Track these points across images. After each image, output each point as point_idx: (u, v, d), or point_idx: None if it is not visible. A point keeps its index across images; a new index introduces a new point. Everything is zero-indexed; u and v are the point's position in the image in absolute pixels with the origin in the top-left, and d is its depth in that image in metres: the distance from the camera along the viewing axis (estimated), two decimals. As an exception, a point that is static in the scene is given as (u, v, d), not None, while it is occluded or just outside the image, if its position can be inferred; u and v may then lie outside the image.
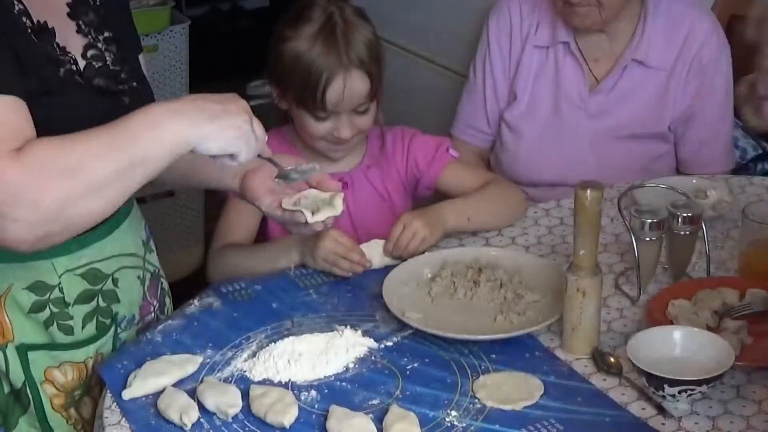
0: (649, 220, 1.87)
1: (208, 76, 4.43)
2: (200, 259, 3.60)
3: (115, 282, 1.82)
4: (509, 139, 2.59)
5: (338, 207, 1.80)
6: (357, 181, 2.22)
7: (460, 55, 3.02)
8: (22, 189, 1.45)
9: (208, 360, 1.77)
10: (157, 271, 1.95)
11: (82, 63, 1.70)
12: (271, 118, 2.24)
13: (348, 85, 2.05)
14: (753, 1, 2.72)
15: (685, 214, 1.89)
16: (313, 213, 1.78)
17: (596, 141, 2.52)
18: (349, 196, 2.21)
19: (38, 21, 1.64)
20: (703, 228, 1.90)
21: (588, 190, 1.66)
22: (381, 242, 2.04)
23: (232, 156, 1.61)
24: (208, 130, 1.56)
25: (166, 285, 1.99)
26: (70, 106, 1.64)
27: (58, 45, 1.66)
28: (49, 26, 1.65)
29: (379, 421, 1.59)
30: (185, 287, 2.13)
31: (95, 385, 1.81)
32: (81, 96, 1.68)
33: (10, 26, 1.59)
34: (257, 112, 2.19)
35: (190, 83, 3.81)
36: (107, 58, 1.74)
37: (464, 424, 1.60)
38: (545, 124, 2.55)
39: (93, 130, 1.52)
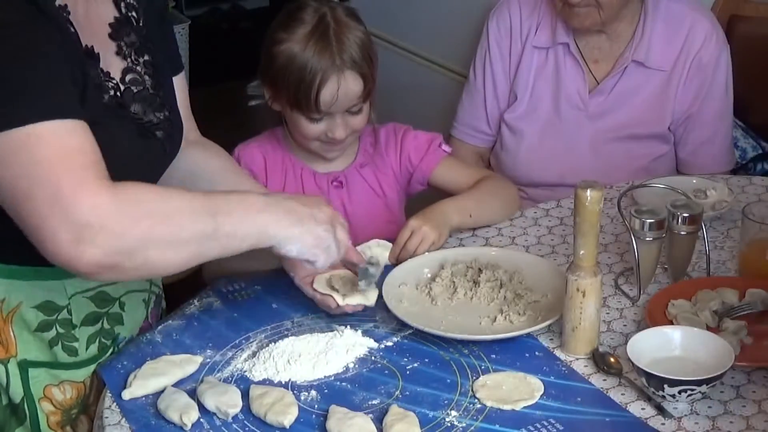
0: (649, 220, 1.87)
1: (208, 76, 4.45)
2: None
3: (121, 305, 1.83)
4: (509, 139, 2.59)
5: (371, 299, 1.84)
6: (351, 180, 2.22)
7: (460, 55, 3.02)
8: (111, 217, 1.45)
9: (208, 360, 1.77)
10: (160, 292, 1.96)
11: (121, 87, 1.68)
12: (269, 118, 2.25)
13: (341, 86, 2.05)
14: (753, 1, 2.73)
15: (685, 214, 1.89)
16: (344, 296, 1.82)
17: (596, 142, 2.52)
18: (344, 194, 2.21)
19: (86, 45, 1.62)
20: (703, 228, 1.90)
21: (588, 190, 1.66)
22: (381, 243, 2.04)
23: (309, 260, 1.66)
24: (291, 233, 1.61)
25: (164, 303, 2.00)
26: (111, 137, 1.62)
27: (102, 70, 1.64)
28: (96, 51, 1.63)
29: (379, 421, 1.60)
30: (184, 288, 2.13)
31: (92, 403, 1.80)
32: (121, 128, 1.66)
33: (70, 51, 1.57)
34: (257, 112, 2.20)
35: (190, 83, 3.81)
36: (146, 82, 1.72)
37: (464, 424, 1.60)
38: (545, 124, 2.55)
39: (190, 191, 1.57)
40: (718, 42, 2.48)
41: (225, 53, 5.00)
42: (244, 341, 1.81)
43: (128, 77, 1.69)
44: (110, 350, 1.83)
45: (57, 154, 1.45)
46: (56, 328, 1.75)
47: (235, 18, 5.68)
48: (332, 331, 1.82)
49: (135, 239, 1.47)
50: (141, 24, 1.73)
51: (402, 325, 1.82)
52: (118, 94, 1.67)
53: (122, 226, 1.46)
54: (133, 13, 1.72)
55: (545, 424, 1.60)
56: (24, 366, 1.74)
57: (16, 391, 1.74)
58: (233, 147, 2.25)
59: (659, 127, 2.51)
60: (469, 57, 2.71)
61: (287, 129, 2.19)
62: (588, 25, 2.45)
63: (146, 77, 1.72)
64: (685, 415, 1.60)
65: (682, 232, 1.90)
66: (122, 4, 1.71)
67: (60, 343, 1.76)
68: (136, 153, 1.68)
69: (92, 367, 1.80)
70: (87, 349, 1.79)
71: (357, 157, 2.24)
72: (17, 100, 1.47)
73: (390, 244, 2.03)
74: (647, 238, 1.88)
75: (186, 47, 3.78)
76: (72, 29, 1.59)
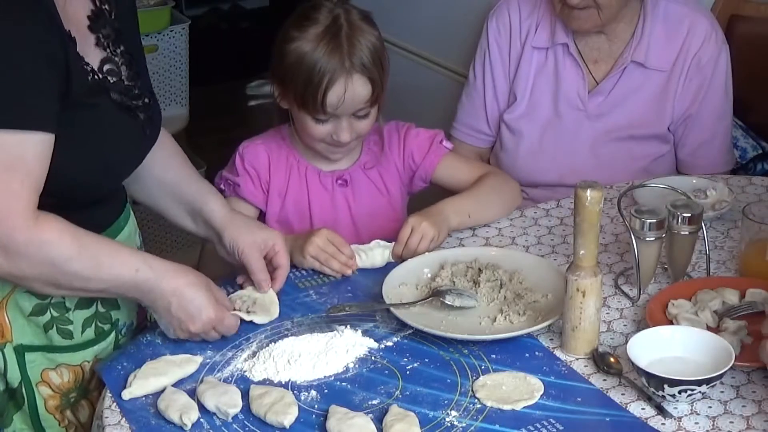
0: (649, 220, 1.87)
1: (208, 75, 4.45)
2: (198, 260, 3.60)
3: None
4: (509, 140, 2.59)
5: (274, 313, 1.88)
6: (355, 178, 2.23)
7: (460, 55, 3.02)
8: (18, 254, 1.60)
9: (208, 360, 1.77)
10: None
11: (99, 75, 1.71)
12: (272, 117, 2.25)
13: (349, 90, 2.04)
14: (753, 1, 2.73)
15: (685, 214, 1.89)
16: (248, 311, 1.86)
17: (596, 142, 2.52)
18: (349, 193, 2.22)
19: (68, 30, 1.65)
20: (703, 228, 1.90)
21: (588, 190, 1.66)
22: (382, 243, 2.05)
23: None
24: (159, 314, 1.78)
25: None
26: (98, 116, 1.68)
27: (78, 54, 1.67)
28: (73, 36, 1.66)
29: (379, 421, 1.60)
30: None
31: (94, 389, 1.81)
32: (107, 106, 1.70)
33: (59, 36, 1.61)
34: (257, 112, 2.20)
35: (190, 83, 3.82)
36: (122, 73, 1.75)
37: (464, 424, 1.60)
38: (545, 125, 2.55)
39: (98, 254, 1.68)
40: (717, 42, 2.48)
41: (225, 53, 5.01)
42: (244, 341, 1.81)
43: (106, 67, 1.73)
44: (111, 335, 1.85)
45: (2, 174, 1.56)
46: (50, 312, 1.76)
47: (235, 18, 5.67)
48: (332, 331, 1.82)
49: (27, 276, 1.64)
50: (113, 17, 1.76)
51: (402, 325, 1.82)
52: (97, 77, 1.70)
53: (23, 264, 1.61)
54: (106, 6, 1.76)
55: (545, 424, 1.60)
56: (20, 351, 1.75)
57: (14, 376, 1.75)
58: (232, 145, 2.25)
59: (659, 128, 2.51)
60: (469, 57, 2.71)
61: (294, 128, 2.19)
62: (588, 27, 2.44)
63: (123, 67, 1.76)
64: (685, 415, 1.61)
65: (682, 232, 1.90)
66: None
67: (54, 326, 1.77)
68: (120, 132, 1.73)
69: (89, 351, 1.82)
70: (83, 332, 1.81)
71: (361, 155, 2.24)
72: None
73: (391, 245, 2.04)
74: (647, 238, 1.88)
75: (186, 47, 3.78)
76: (56, 11, 1.63)
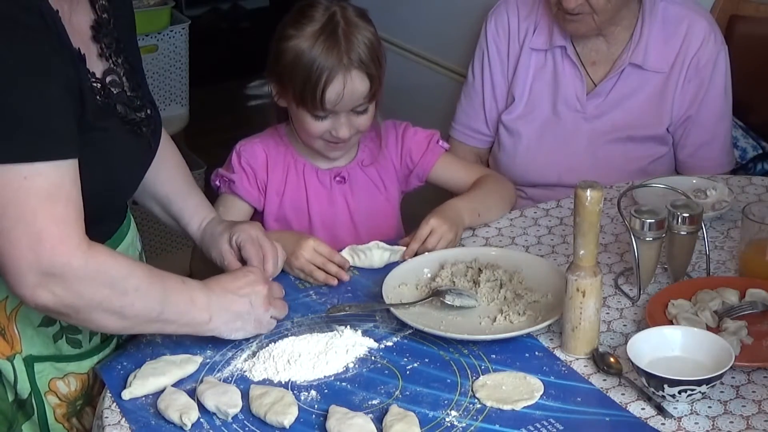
0: (649, 220, 1.87)
1: (208, 75, 4.45)
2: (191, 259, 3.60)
3: None
4: (507, 140, 2.59)
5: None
6: (353, 175, 2.23)
7: (460, 55, 3.02)
8: (76, 279, 1.58)
9: (208, 360, 1.77)
10: None
11: (105, 89, 1.70)
12: (269, 117, 2.25)
13: (347, 86, 2.05)
14: (753, 1, 2.73)
15: (685, 214, 1.89)
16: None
17: (594, 143, 2.52)
18: (347, 190, 2.22)
19: (77, 48, 1.64)
20: (703, 228, 1.90)
21: (588, 190, 1.66)
22: (381, 244, 2.04)
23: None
24: (233, 327, 1.77)
25: None
26: (109, 138, 1.68)
27: (88, 71, 1.67)
28: (82, 53, 1.66)
29: (379, 421, 1.60)
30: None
31: (97, 394, 1.81)
32: (115, 129, 1.70)
33: (66, 54, 1.61)
34: (257, 112, 2.21)
35: (190, 83, 3.81)
36: (124, 84, 1.75)
37: (464, 424, 1.60)
38: (543, 126, 2.55)
39: (152, 271, 1.69)
40: (716, 43, 2.48)
41: (225, 53, 5.01)
42: (244, 341, 1.81)
43: (108, 78, 1.72)
44: (113, 340, 1.85)
45: (45, 202, 1.55)
46: (59, 322, 1.76)
47: (235, 18, 5.68)
48: (332, 331, 1.82)
49: (88, 302, 1.60)
50: (112, 26, 1.76)
51: (402, 325, 1.82)
52: (104, 93, 1.70)
53: (82, 289, 1.59)
54: (105, 15, 1.75)
55: (545, 424, 1.60)
56: (29, 361, 1.75)
57: (24, 387, 1.75)
58: (231, 146, 2.25)
59: (657, 129, 2.51)
60: (468, 57, 2.71)
61: (292, 126, 2.20)
62: (584, 31, 2.44)
63: (124, 78, 1.76)
64: (685, 415, 1.61)
65: (682, 232, 1.90)
66: (97, 6, 1.74)
67: (64, 336, 1.77)
68: (129, 152, 1.73)
69: (95, 358, 1.82)
70: (90, 340, 1.81)
71: (359, 153, 2.25)
72: (15, 133, 1.53)
73: (390, 248, 2.04)
74: (647, 238, 1.88)
75: (186, 47, 3.78)
76: (65, 31, 1.61)
